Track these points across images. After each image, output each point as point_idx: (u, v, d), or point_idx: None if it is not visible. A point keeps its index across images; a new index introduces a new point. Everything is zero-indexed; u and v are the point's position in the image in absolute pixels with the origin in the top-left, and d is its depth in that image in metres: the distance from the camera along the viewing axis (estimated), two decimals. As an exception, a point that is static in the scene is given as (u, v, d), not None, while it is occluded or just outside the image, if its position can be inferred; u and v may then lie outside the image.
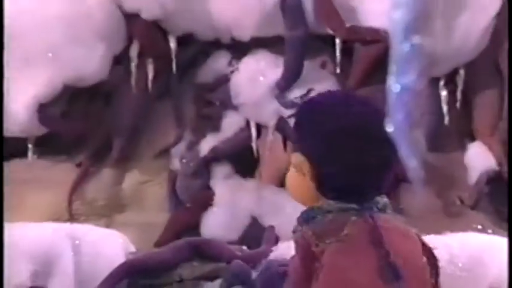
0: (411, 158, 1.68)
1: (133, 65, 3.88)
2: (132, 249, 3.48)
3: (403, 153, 1.68)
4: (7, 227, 2.94)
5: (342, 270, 1.96)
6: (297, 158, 2.03)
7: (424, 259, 2.06)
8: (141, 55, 3.88)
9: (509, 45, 3.66)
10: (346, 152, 1.99)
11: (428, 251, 2.10)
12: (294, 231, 2.04)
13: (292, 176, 2.07)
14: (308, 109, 2.08)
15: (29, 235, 3.20)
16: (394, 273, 1.97)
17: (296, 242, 2.00)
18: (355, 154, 1.99)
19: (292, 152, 2.07)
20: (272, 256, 3.31)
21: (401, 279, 1.96)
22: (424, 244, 2.09)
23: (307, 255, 1.97)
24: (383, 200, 2.08)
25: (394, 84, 1.61)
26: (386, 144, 1.72)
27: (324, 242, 1.96)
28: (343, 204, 2.01)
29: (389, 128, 1.66)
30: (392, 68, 1.63)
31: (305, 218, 2.02)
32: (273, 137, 3.84)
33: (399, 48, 1.62)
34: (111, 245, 3.38)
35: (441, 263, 3.08)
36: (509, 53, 3.67)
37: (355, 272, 1.95)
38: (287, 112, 3.76)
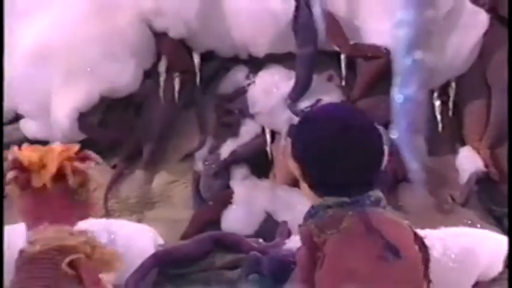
0: (413, 161, 1.66)
1: (161, 78, 3.87)
2: (161, 242, 3.47)
3: (405, 157, 1.66)
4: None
5: (343, 258, 1.94)
6: (289, 163, 2.03)
7: (416, 247, 2.04)
8: (168, 70, 3.87)
9: (509, 45, 3.63)
10: (329, 153, 1.98)
11: (419, 240, 2.07)
12: (299, 226, 2.04)
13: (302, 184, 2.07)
14: (299, 121, 2.08)
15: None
16: (394, 253, 1.96)
17: (301, 234, 1.99)
18: (337, 155, 1.98)
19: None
20: (285, 248, 3.29)
21: (402, 257, 1.94)
22: (415, 234, 2.07)
23: (311, 246, 1.96)
24: (376, 194, 2.06)
25: (397, 95, 1.59)
26: (371, 145, 1.70)
27: (325, 233, 1.94)
28: (337, 198, 2.00)
29: (393, 135, 1.64)
30: (396, 80, 1.62)
31: (309, 214, 2.01)
32: (285, 142, 3.81)
33: (402, 62, 1.60)
34: (142, 238, 3.37)
35: (435, 254, 3.06)
36: (510, 53, 3.64)
37: (355, 259, 1.93)
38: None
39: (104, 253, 2.44)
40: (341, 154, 1.97)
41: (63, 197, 2.43)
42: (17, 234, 3.05)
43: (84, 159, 2.45)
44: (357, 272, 1.92)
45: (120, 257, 2.46)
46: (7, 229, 2.97)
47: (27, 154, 2.44)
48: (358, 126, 1.92)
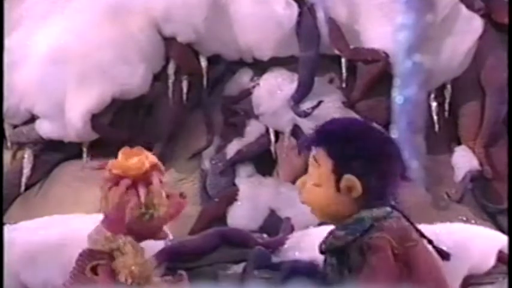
0: (413, 160, 1.66)
1: (170, 81, 3.87)
2: (170, 237, 3.45)
3: (405, 156, 1.67)
4: (68, 219, 2.91)
5: (435, 266, 2.02)
6: (349, 180, 2.00)
7: None
8: (177, 73, 3.87)
9: (509, 46, 3.63)
10: (388, 166, 2.00)
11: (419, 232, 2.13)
12: (337, 238, 2.02)
13: (325, 195, 2.04)
14: (346, 139, 2.04)
15: (84, 225, 3.18)
16: (443, 254, 2.02)
17: (379, 247, 1.97)
18: (392, 167, 2.01)
19: (334, 173, 2.03)
20: (288, 243, 3.29)
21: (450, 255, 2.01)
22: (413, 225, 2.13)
23: (391, 257, 1.97)
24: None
25: (398, 96, 1.59)
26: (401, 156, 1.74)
27: (403, 245, 1.98)
28: (383, 208, 2.02)
29: (393, 135, 1.64)
30: (396, 82, 1.62)
31: (361, 226, 2.00)
32: (288, 142, 3.82)
33: (402, 65, 1.61)
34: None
35: (430, 248, 3.06)
36: (509, 57, 3.64)
37: (436, 260, 2.03)
38: (301, 121, 3.75)
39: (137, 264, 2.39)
40: (393, 165, 1.99)
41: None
42: (74, 224, 3.06)
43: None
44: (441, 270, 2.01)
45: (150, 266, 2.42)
46: (7, 228, 2.98)
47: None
48: (390, 138, 1.97)
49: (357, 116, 3.79)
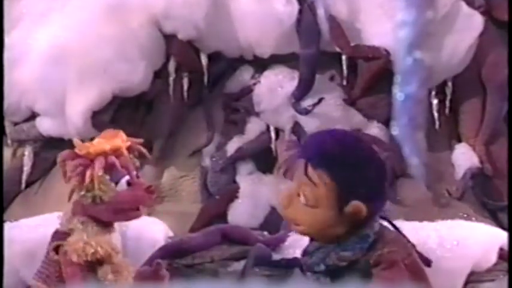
0: (413, 156, 1.65)
1: (171, 78, 3.86)
2: (170, 234, 3.46)
3: (406, 153, 1.66)
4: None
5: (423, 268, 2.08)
6: (357, 206, 2.00)
7: None
8: (177, 70, 3.86)
9: (509, 47, 3.63)
10: (386, 189, 2.02)
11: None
12: (342, 258, 2.03)
13: (323, 217, 2.03)
14: (352, 165, 2.02)
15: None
16: (425, 259, 2.04)
17: (389, 262, 1.98)
18: (388, 188, 2.06)
19: (339, 203, 2.02)
20: (288, 240, 3.28)
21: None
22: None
23: (404, 269, 2.01)
24: None
25: (398, 93, 1.58)
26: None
27: (411, 255, 2.04)
28: (378, 222, 2.05)
29: (394, 131, 1.63)
30: (397, 79, 1.61)
31: (366, 243, 2.01)
32: (289, 139, 3.81)
33: (403, 62, 1.59)
34: (152, 231, 3.36)
35: (431, 246, 3.05)
36: (509, 54, 3.63)
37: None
38: (301, 118, 3.74)
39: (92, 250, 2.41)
40: (388, 186, 2.05)
41: None
42: (18, 231, 3.06)
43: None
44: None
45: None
46: (7, 226, 2.97)
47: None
48: (381, 158, 2.00)
49: (357, 114, 3.80)
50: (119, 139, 2.57)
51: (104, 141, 2.54)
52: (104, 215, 2.52)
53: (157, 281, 2.47)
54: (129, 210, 2.57)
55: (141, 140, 2.71)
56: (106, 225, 2.56)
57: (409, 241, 2.09)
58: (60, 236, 2.51)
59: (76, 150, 2.53)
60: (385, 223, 2.09)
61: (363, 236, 2.00)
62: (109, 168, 2.51)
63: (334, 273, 2.02)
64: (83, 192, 2.46)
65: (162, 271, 2.51)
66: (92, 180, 2.43)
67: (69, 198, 2.53)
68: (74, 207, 2.55)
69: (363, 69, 3.79)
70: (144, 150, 2.61)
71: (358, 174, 1.97)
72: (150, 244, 3.23)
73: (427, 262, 2.09)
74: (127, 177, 2.58)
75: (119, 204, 2.51)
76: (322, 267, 2.05)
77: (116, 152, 2.54)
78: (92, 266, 2.46)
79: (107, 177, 2.48)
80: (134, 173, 2.62)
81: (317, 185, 1.99)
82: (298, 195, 2.03)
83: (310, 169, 2.00)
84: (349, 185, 1.97)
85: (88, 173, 2.44)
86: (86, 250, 2.42)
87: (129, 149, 2.60)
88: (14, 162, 3.93)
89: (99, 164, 2.45)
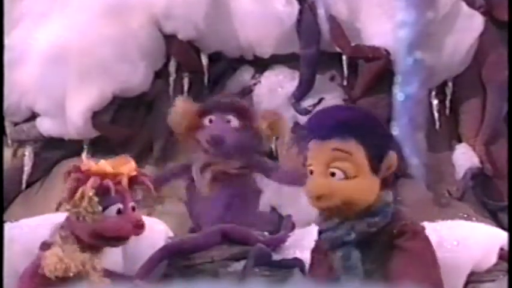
0: (413, 157, 1.64)
1: (171, 78, 3.86)
2: (171, 234, 3.45)
3: (406, 153, 1.65)
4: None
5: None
6: (392, 157, 2.06)
7: None
8: (178, 70, 3.86)
9: (510, 47, 3.62)
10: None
11: None
12: (371, 224, 2.07)
13: (366, 183, 2.06)
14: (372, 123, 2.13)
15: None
16: None
17: (414, 232, 2.04)
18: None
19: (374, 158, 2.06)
20: (289, 241, 3.27)
21: None
22: None
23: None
24: None
25: (399, 94, 1.58)
26: None
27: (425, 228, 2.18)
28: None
29: (394, 131, 1.63)
30: (398, 79, 1.60)
31: (391, 210, 2.07)
32: (289, 139, 3.80)
33: (403, 62, 1.59)
34: (152, 231, 3.35)
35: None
36: (510, 54, 3.63)
37: None
38: (302, 118, 3.74)
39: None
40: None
41: None
42: (18, 231, 3.05)
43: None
44: None
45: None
46: (8, 226, 2.96)
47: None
48: None
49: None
50: (125, 166, 2.56)
51: (109, 163, 2.53)
52: (84, 235, 2.51)
53: None
54: (109, 239, 2.56)
55: (150, 176, 2.71)
56: (90, 244, 2.55)
57: None
58: (43, 247, 2.51)
59: (81, 165, 2.53)
60: None
61: (386, 203, 2.06)
62: (102, 191, 2.49)
63: (362, 244, 2.05)
64: (68, 207, 2.46)
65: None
66: (81, 197, 2.43)
67: (56, 209, 2.54)
68: (64, 219, 2.54)
69: (363, 69, 3.79)
70: (150, 184, 2.61)
71: (378, 132, 2.05)
72: (150, 244, 3.22)
73: None
74: (119, 206, 2.56)
75: (100, 230, 2.50)
76: (352, 235, 2.08)
77: (116, 177, 2.53)
78: (64, 282, 2.45)
79: (96, 199, 2.47)
80: (130, 203, 2.60)
81: (352, 154, 2.05)
82: (332, 174, 2.06)
83: (338, 143, 2.05)
84: (376, 144, 2.05)
85: (80, 189, 2.44)
86: (57, 266, 2.41)
87: (135, 179, 2.59)
88: (14, 162, 3.92)
89: (92, 182, 2.45)
